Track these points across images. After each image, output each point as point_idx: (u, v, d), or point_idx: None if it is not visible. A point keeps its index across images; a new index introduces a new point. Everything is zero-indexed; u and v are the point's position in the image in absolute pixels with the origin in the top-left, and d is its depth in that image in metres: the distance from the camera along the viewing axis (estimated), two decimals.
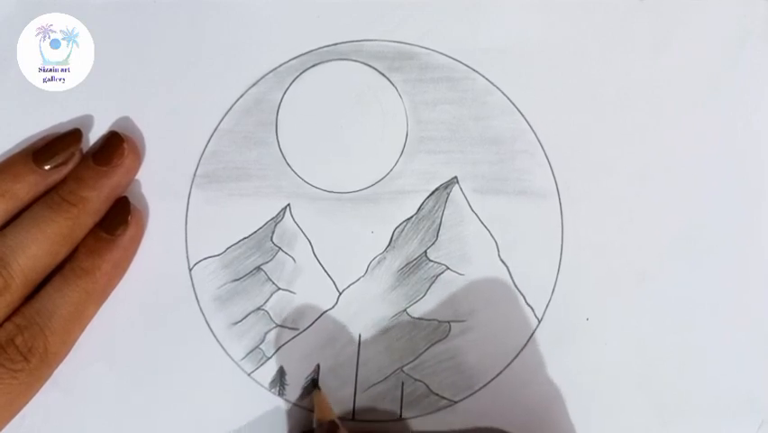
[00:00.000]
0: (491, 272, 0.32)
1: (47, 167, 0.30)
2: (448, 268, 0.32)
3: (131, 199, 0.31)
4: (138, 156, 0.32)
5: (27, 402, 0.29)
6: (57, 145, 0.31)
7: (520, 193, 0.32)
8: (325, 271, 0.32)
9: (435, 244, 0.32)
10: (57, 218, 0.30)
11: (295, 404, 0.31)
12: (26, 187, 0.30)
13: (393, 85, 0.33)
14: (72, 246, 0.30)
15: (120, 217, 0.31)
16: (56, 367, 0.30)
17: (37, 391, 0.30)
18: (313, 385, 0.31)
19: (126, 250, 0.31)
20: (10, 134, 0.32)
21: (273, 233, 0.32)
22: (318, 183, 0.32)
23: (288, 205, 0.32)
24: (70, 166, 0.31)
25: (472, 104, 0.33)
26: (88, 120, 0.32)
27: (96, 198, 0.30)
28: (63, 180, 0.31)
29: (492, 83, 0.33)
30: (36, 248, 0.29)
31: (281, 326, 0.32)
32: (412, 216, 0.32)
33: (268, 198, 0.32)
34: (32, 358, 0.28)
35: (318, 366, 0.32)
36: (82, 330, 0.31)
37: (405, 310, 0.32)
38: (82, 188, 0.30)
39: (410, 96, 0.33)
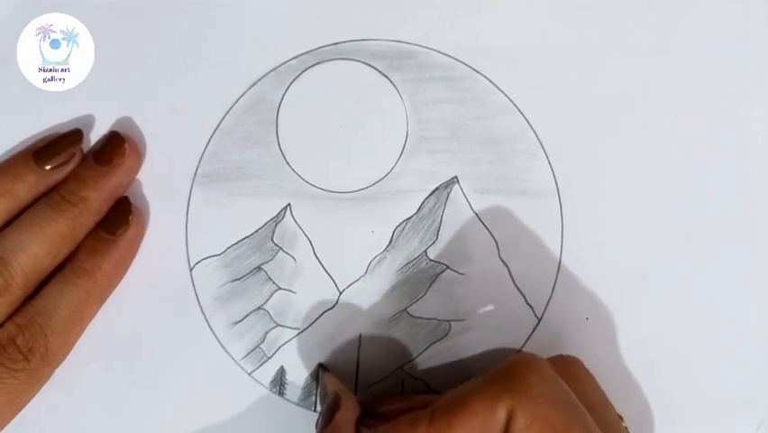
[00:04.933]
0: (491, 272, 0.32)
1: (47, 167, 0.30)
2: (448, 267, 0.32)
3: (131, 199, 0.31)
4: (139, 156, 0.32)
5: (28, 402, 0.29)
6: (57, 145, 0.31)
7: (520, 193, 0.32)
8: (326, 270, 0.32)
9: (436, 243, 0.32)
10: (58, 218, 0.30)
11: (295, 404, 0.31)
12: (27, 187, 0.30)
13: (393, 84, 0.33)
14: (73, 246, 0.30)
15: (121, 217, 0.31)
16: (56, 367, 0.30)
17: (37, 390, 0.30)
18: (322, 369, 0.31)
19: (127, 250, 0.31)
20: (10, 134, 0.32)
21: (273, 232, 0.32)
22: (318, 183, 0.32)
23: (289, 204, 0.32)
24: (71, 166, 0.31)
25: (473, 103, 0.33)
26: (89, 120, 0.32)
27: (96, 198, 0.30)
28: (64, 180, 0.31)
29: (493, 82, 0.33)
30: (37, 248, 0.29)
31: (282, 325, 0.32)
32: (412, 216, 0.32)
33: (268, 198, 0.32)
34: (33, 358, 0.28)
35: (318, 365, 0.32)
36: (83, 330, 0.31)
37: (405, 309, 0.32)
38: (83, 188, 0.30)
39: (410, 95, 0.33)
